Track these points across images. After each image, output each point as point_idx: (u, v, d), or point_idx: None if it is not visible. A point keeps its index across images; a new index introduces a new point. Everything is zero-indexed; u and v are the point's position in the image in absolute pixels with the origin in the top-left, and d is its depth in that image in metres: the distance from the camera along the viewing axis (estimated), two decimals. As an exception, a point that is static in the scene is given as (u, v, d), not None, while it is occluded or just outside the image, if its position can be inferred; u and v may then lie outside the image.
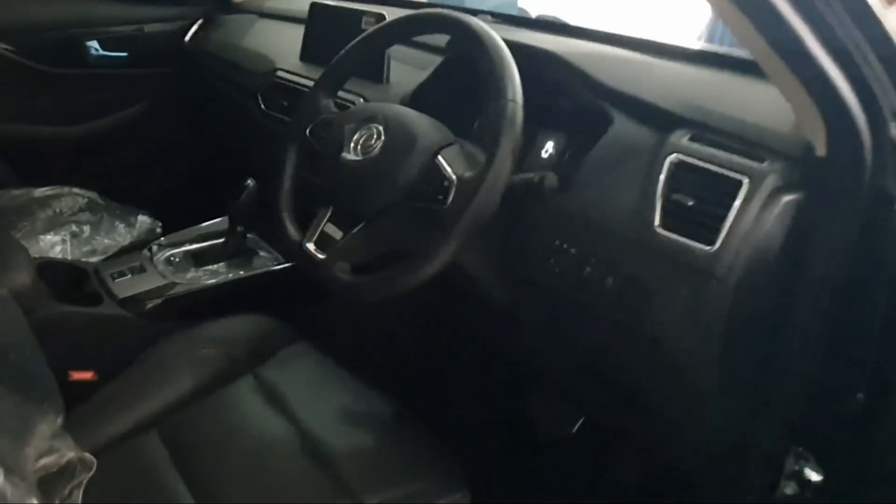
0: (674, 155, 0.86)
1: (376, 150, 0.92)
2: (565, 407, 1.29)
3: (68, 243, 1.61)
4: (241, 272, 1.45)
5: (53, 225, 1.65)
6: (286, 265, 1.47)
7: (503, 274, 1.05)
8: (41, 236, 1.60)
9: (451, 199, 0.86)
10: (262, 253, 1.52)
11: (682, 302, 0.83)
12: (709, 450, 0.97)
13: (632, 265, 0.87)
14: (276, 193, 1.06)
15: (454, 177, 0.88)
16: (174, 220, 1.70)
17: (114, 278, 1.38)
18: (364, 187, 0.93)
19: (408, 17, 1.04)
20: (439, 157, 0.90)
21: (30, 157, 1.77)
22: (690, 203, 0.83)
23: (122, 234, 1.69)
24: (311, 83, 1.31)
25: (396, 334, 1.53)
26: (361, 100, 1.25)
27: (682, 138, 0.88)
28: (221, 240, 1.51)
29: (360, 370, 1.12)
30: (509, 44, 0.91)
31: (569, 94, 1.05)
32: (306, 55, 1.47)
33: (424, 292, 0.89)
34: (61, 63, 1.72)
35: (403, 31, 1.07)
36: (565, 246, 0.94)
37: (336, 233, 0.96)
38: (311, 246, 0.98)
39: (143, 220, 1.74)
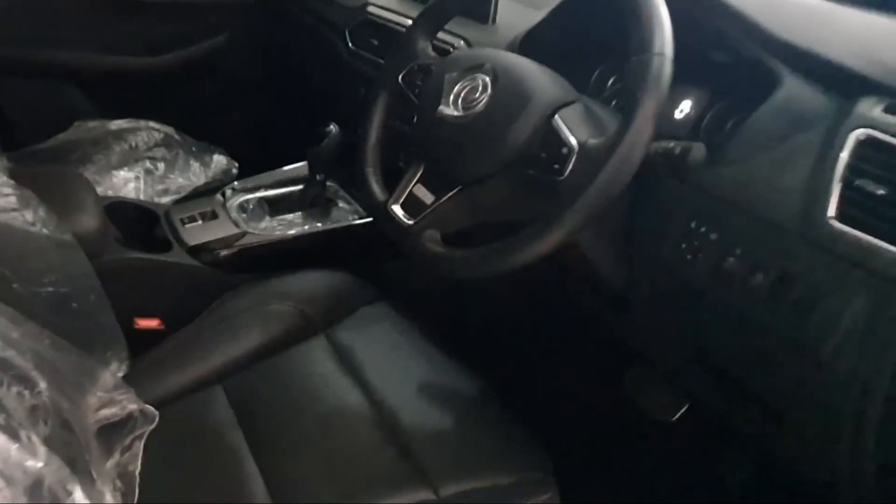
0: (861, 130, 0.68)
1: (481, 106, 0.79)
2: (667, 392, 1.15)
3: (142, 180, 1.58)
4: (319, 224, 1.35)
5: (128, 160, 1.62)
6: (367, 219, 1.36)
7: (620, 253, 0.90)
8: (115, 171, 1.57)
9: (569, 169, 0.72)
10: (341, 204, 1.41)
11: (854, 314, 0.67)
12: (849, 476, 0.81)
13: (791, 262, 0.71)
14: (361, 146, 0.95)
15: (575, 143, 0.73)
16: (251, 160, 1.63)
17: (184, 223, 1.30)
18: (463, 148, 0.81)
19: None
20: (557, 118, 0.75)
21: (107, 87, 1.70)
22: (880, 192, 0.65)
23: (197, 174, 1.65)
24: (406, 21, 1.22)
25: (485, 303, 1.42)
26: (462, 43, 1.10)
27: (873, 108, 0.70)
28: (299, 187, 1.42)
29: (443, 339, 1.04)
30: None
31: (727, 47, 0.87)
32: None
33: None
34: None
35: None
36: (703, 230, 0.78)
37: (427, 196, 0.84)
38: (397, 209, 0.86)
39: (219, 159, 1.69)
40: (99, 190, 1.44)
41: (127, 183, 1.55)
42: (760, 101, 0.79)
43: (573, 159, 0.72)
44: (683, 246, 0.80)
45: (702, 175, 0.78)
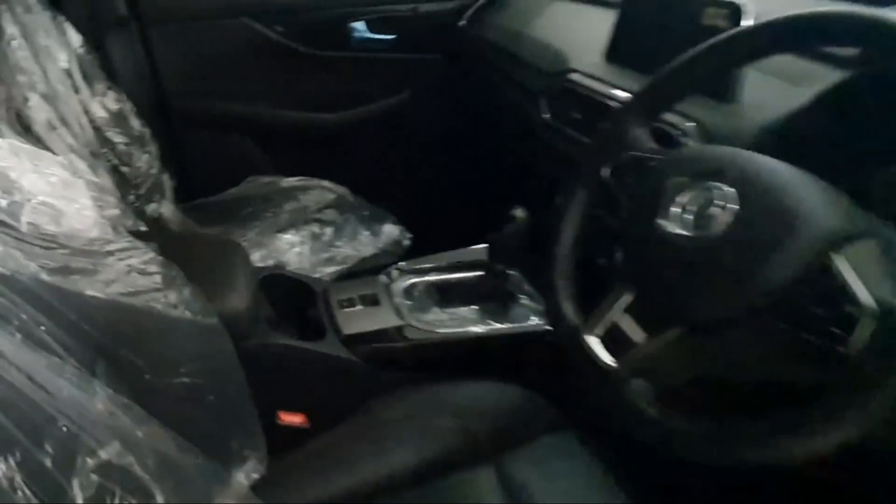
0: None
1: (719, 227, 0.63)
2: None
3: (307, 246, 1.56)
4: (495, 324, 1.22)
5: (297, 221, 1.61)
6: None
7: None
8: (280, 234, 1.56)
9: (861, 339, 0.53)
10: (524, 301, 1.27)
11: None
12: None
13: None
14: (551, 253, 0.82)
15: (870, 302, 0.53)
16: (425, 233, 1.60)
17: (342, 306, 1.23)
18: (691, 280, 0.64)
19: (791, 21, 0.69)
20: (837, 260, 0.56)
21: (283, 142, 1.74)
22: None
23: (365, 244, 1.60)
24: (616, 94, 1.07)
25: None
26: (692, 125, 0.92)
27: None
28: (475, 274, 1.30)
29: (647, 486, 0.89)
30: None
31: None
32: (615, 54, 1.16)
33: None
34: (324, 45, 1.67)
35: (782, 41, 0.72)
36: None
37: (635, 332, 0.70)
38: (594, 342, 0.72)
39: (391, 230, 1.65)
40: (261, 253, 1.48)
41: (292, 247, 1.54)
42: None
43: (868, 326, 0.52)
44: None
45: None
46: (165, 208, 1.55)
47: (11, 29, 1.22)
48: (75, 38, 1.37)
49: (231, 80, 1.65)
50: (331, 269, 1.50)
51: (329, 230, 1.60)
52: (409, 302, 1.26)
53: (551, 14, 1.48)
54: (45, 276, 0.75)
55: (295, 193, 1.68)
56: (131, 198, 1.45)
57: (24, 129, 1.16)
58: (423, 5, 1.71)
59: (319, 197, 1.70)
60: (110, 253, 0.88)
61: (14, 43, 1.22)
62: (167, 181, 1.55)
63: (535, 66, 1.33)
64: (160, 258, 0.94)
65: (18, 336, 0.68)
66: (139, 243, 0.93)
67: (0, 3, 1.22)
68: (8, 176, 0.78)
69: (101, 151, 1.39)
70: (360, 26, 1.69)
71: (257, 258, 1.46)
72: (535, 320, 1.22)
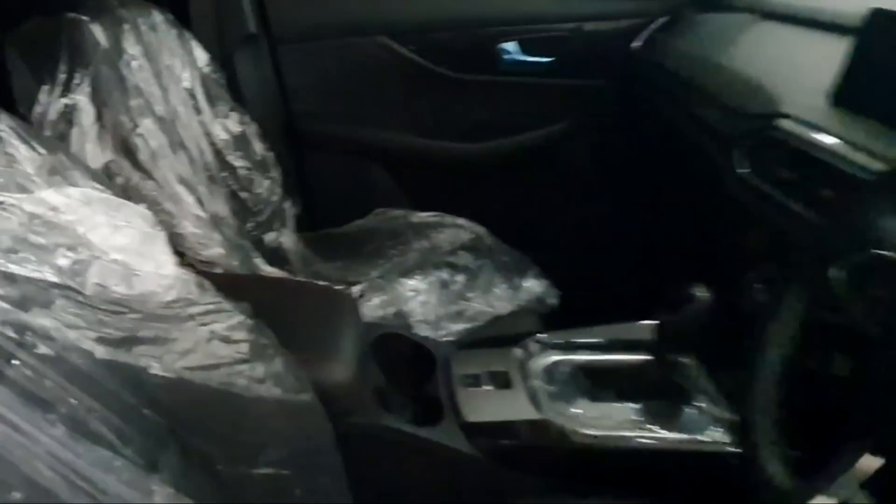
0: None
1: None
2: None
3: (434, 295, 1.43)
4: (662, 431, 1.01)
5: (425, 263, 1.52)
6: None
7: None
8: (405, 279, 1.46)
9: None
10: (700, 403, 1.04)
11: None
12: None
13: None
14: (752, 377, 0.66)
15: None
16: (575, 293, 1.47)
17: (465, 384, 1.08)
18: None
19: None
20: None
21: (417, 173, 1.72)
22: None
23: (501, 299, 1.46)
24: (845, 152, 0.87)
25: None
26: None
27: None
28: (639, 358, 1.12)
29: None
30: None
31: None
32: (846, 98, 0.96)
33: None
34: (468, 68, 1.63)
35: None
36: None
37: None
38: None
39: (534, 285, 1.50)
40: (381, 299, 1.39)
41: (416, 295, 1.43)
42: None
43: None
44: None
45: None
46: (285, 238, 1.53)
47: (133, 49, 1.20)
48: (201, 56, 1.36)
49: (364, 103, 1.63)
50: (458, 327, 1.38)
51: (461, 278, 1.48)
52: (549, 387, 1.08)
53: (754, 39, 1.32)
54: (101, 353, 0.65)
55: (426, 231, 1.61)
56: (250, 226, 1.44)
57: (131, 158, 1.11)
58: (588, 24, 1.62)
59: (453, 236, 1.60)
60: (190, 317, 0.77)
61: (134, 64, 1.19)
62: (289, 209, 1.53)
63: (731, 106, 1.17)
64: (250, 322, 0.84)
65: (62, 428, 0.58)
66: (227, 304, 0.82)
67: (123, 23, 1.19)
68: (75, 231, 0.68)
69: (219, 176, 1.37)
70: (511, 47, 1.63)
71: (376, 304, 1.37)
72: (714, 433, 1.00)
